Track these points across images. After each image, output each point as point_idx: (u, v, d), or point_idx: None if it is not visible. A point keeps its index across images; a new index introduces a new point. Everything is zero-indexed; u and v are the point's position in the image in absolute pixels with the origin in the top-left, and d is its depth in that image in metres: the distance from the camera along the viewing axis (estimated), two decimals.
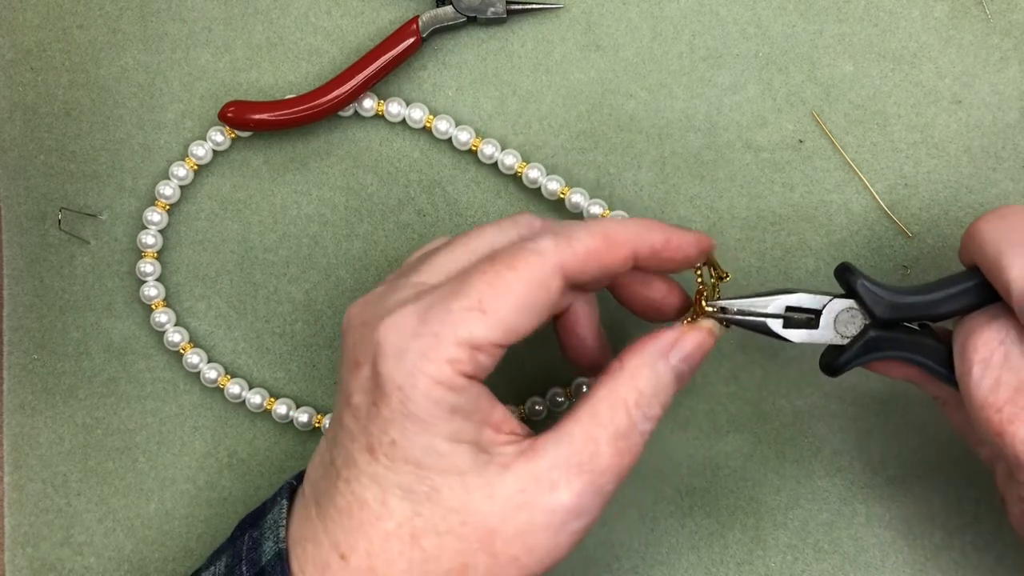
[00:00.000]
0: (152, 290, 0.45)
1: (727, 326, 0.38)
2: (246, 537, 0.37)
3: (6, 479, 0.46)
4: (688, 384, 0.45)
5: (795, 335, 0.38)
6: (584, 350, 0.39)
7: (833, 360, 0.38)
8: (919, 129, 0.44)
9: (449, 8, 0.44)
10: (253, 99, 0.45)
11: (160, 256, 0.46)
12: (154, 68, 0.46)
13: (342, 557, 0.33)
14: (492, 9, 0.44)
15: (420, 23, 0.44)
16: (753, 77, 0.45)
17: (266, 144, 0.46)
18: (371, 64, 0.44)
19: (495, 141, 0.45)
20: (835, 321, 0.38)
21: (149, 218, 0.45)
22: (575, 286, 0.36)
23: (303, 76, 0.45)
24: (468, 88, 0.45)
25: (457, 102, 0.45)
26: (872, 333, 0.38)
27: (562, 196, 0.44)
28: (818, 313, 0.38)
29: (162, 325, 0.45)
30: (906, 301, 0.37)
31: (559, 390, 0.45)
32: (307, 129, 0.45)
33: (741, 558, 0.45)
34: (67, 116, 0.46)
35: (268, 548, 0.35)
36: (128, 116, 0.46)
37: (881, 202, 0.45)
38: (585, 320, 0.39)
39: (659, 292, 0.39)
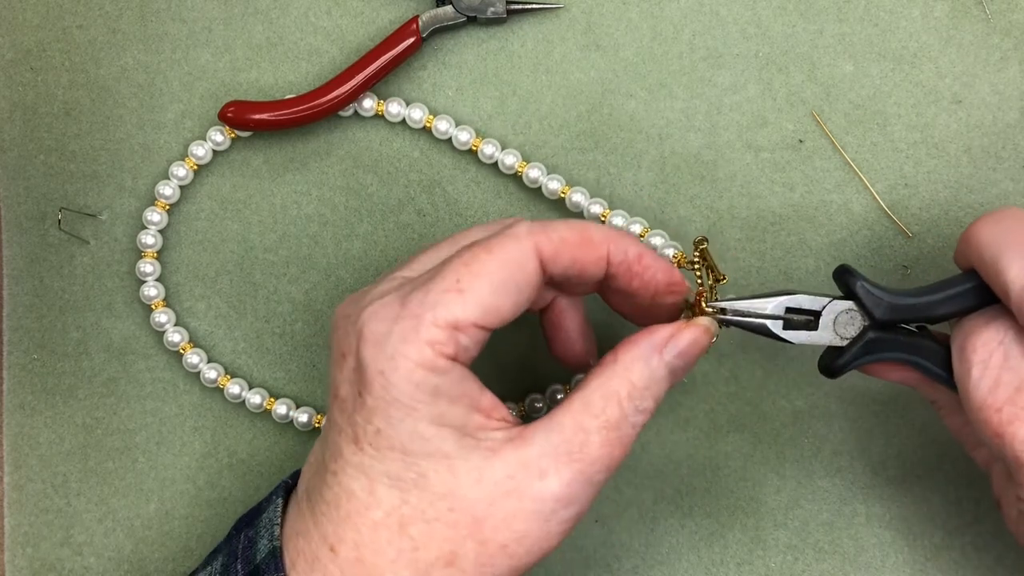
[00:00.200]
0: (152, 290, 0.45)
1: (726, 327, 0.38)
2: (242, 536, 0.37)
3: (6, 479, 0.46)
4: (686, 382, 0.45)
5: (794, 336, 0.38)
6: (570, 346, 0.40)
7: (832, 362, 0.38)
8: (919, 129, 0.44)
9: (449, 8, 0.44)
10: (253, 99, 0.45)
11: (160, 256, 0.46)
12: (154, 68, 0.46)
13: (331, 549, 0.33)
14: (492, 9, 0.44)
15: (420, 23, 0.44)
16: (753, 77, 0.45)
17: (266, 144, 0.46)
18: (371, 64, 0.44)
19: (495, 141, 0.45)
20: (834, 322, 0.38)
21: (149, 218, 0.45)
22: (555, 284, 0.36)
23: (303, 76, 0.45)
24: (468, 88, 0.45)
25: (457, 102, 0.45)
26: (871, 335, 0.38)
27: (562, 196, 0.44)
28: (817, 314, 0.38)
29: (162, 325, 0.45)
30: (905, 303, 0.37)
31: (559, 387, 0.45)
32: (307, 129, 0.45)
33: (741, 558, 0.45)
34: (67, 116, 0.46)
35: (263, 546, 0.35)
36: (128, 116, 0.46)
37: (881, 202, 0.45)
38: (570, 315, 0.39)
39: (663, 276, 0.37)
